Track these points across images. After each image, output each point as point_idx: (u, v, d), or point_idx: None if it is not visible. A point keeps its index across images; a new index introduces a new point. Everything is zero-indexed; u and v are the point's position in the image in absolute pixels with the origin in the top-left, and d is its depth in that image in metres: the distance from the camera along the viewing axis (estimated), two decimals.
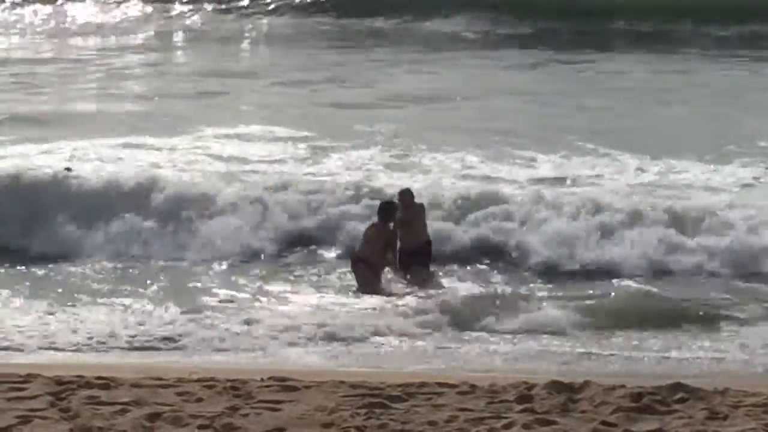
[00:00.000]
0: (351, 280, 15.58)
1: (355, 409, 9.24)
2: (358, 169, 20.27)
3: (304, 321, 13.86)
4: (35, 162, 20.12)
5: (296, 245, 16.95)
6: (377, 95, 27.14)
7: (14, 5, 41.07)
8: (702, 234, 16.52)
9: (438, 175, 19.61)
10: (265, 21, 38.39)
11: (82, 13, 39.98)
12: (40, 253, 16.69)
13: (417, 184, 18.16)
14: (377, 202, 16.33)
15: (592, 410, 9.21)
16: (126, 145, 22.00)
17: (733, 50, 32.12)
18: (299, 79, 29.66)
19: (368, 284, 15.22)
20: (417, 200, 16.18)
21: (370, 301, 14.73)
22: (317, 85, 28.78)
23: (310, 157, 21.17)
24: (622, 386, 9.71)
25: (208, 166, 20.33)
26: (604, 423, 8.89)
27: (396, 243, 15.48)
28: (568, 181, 19.44)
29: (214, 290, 15.33)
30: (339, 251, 16.58)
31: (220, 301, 14.77)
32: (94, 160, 20.60)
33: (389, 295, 14.98)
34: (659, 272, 15.95)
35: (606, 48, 32.89)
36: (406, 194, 16.10)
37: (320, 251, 16.84)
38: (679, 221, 16.85)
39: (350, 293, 15.18)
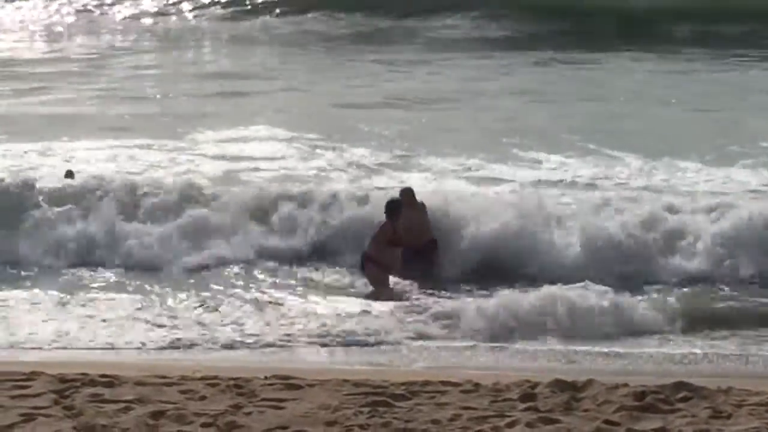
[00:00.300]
0: (357, 280, 15.58)
1: (359, 407, 9.25)
2: (362, 170, 20.25)
3: (309, 321, 13.90)
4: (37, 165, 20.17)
5: (302, 248, 16.83)
6: (381, 96, 27.15)
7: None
8: (707, 236, 16.41)
9: (443, 176, 19.57)
10: (265, 21, 38.34)
11: (71, 13, 39.88)
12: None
13: (426, 183, 18.22)
14: (383, 202, 16.25)
15: (595, 409, 9.23)
16: (126, 147, 22.01)
17: (735, 50, 32.13)
18: (301, 80, 29.69)
19: (378, 283, 15.23)
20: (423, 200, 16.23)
21: (376, 300, 14.75)
22: (320, 85, 28.80)
23: (315, 159, 21.14)
24: (625, 385, 9.73)
25: (213, 168, 20.28)
26: (607, 422, 8.90)
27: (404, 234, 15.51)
28: (571, 184, 19.38)
29: (219, 291, 15.35)
30: (346, 252, 16.45)
31: (224, 302, 14.81)
32: (101, 162, 20.58)
33: (399, 293, 14.99)
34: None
35: (608, 48, 32.92)
36: (408, 193, 16.10)
37: (327, 253, 16.72)
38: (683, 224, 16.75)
39: (357, 293, 15.18)
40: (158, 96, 27.79)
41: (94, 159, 21.11)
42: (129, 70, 31.82)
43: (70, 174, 18.88)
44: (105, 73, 31.20)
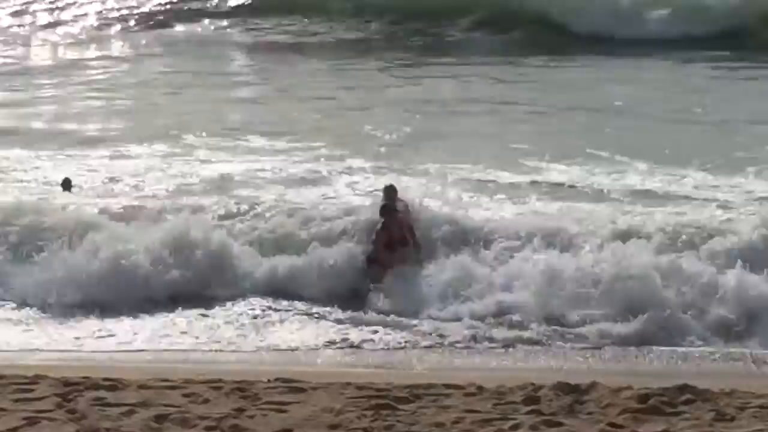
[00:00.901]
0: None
1: (362, 410, 9.27)
2: (363, 175, 20.19)
3: (312, 322, 13.93)
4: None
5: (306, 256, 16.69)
6: (383, 102, 27.11)
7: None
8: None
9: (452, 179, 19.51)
10: (261, 26, 38.18)
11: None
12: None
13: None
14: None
15: (599, 412, 9.24)
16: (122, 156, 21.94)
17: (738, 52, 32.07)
18: (305, 85, 29.69)
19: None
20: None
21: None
22: (320, 90, 28.77)
23: (316, 164, 21.08)
24: (629, 387, 9.74)
25: (207, 180, 20.03)
26: (610, 424, 8.91)
27: (405, 238, 15.45)
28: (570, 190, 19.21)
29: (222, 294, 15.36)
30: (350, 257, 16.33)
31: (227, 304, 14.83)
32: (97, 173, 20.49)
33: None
34: None
35: (607, 54, 32.90)
36: (390, 190, 16.07)
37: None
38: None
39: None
40: (147, 105, 27.62)
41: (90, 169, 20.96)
42: (120, 79, 31.69)
43: (67, 183, 18.68)
44: (107, 81, 31.14)
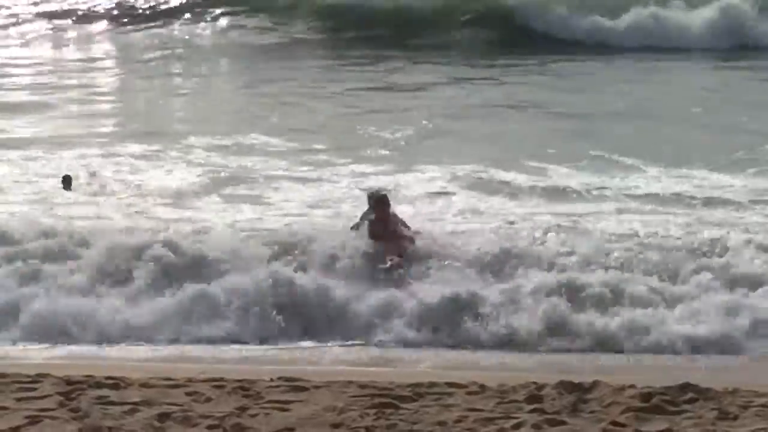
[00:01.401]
0: None
1: (365, 409, 9.27)
2: (362, 176, 20.19)
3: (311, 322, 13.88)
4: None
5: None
6: (384, 103, 27.15)
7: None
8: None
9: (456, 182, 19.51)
10: (253, 30, 38.22)
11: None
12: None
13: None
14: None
15: (602, 410, 9.25)
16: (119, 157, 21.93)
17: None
18: (304, 85, 29.73)
19: None
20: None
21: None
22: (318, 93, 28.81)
23: (316, 165, 21.08)
24: (632, 386, 9.74)
25: (205, 180, 19.94)
26: (613, 423, 8.92)
27: (399, 228, 15.43)
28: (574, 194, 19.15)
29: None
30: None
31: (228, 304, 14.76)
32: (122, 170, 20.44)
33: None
34: None
35: (608, 54, 32.98)
36: (373, 197, 16.16)
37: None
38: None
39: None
40: (149, 110, 27.63)
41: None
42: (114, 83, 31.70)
43: (67, 180, 18.62)
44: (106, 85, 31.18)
